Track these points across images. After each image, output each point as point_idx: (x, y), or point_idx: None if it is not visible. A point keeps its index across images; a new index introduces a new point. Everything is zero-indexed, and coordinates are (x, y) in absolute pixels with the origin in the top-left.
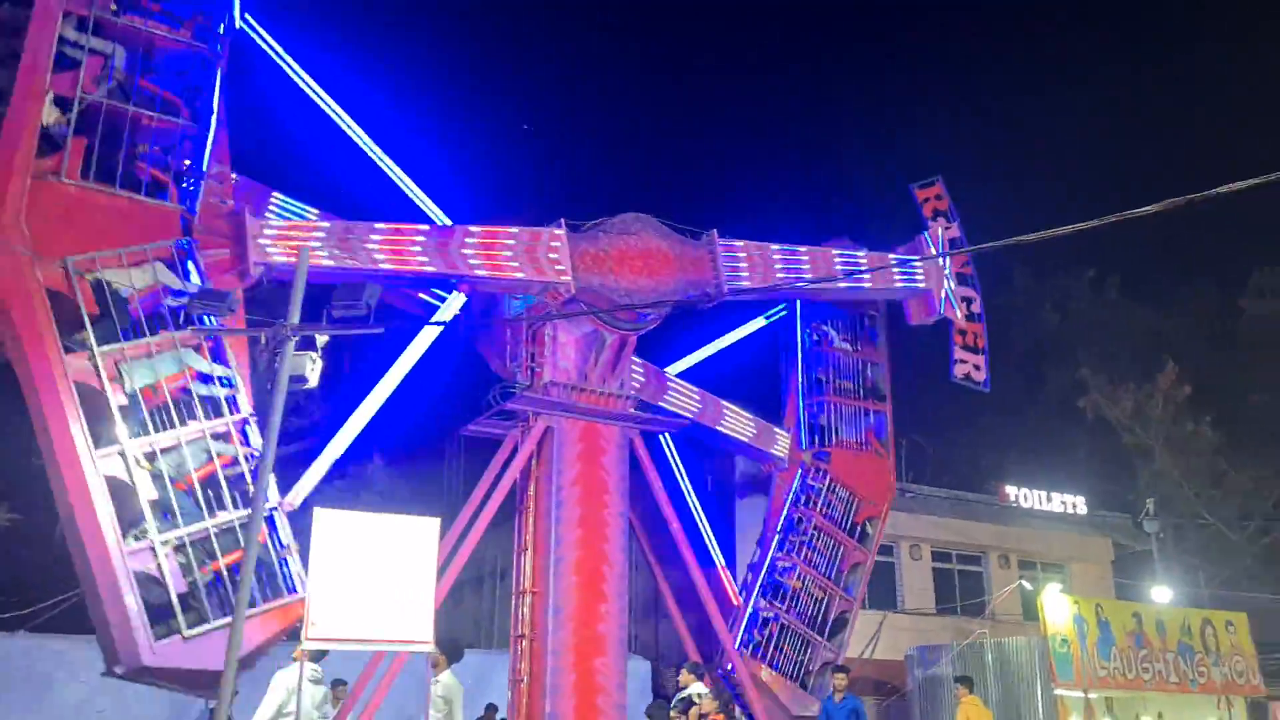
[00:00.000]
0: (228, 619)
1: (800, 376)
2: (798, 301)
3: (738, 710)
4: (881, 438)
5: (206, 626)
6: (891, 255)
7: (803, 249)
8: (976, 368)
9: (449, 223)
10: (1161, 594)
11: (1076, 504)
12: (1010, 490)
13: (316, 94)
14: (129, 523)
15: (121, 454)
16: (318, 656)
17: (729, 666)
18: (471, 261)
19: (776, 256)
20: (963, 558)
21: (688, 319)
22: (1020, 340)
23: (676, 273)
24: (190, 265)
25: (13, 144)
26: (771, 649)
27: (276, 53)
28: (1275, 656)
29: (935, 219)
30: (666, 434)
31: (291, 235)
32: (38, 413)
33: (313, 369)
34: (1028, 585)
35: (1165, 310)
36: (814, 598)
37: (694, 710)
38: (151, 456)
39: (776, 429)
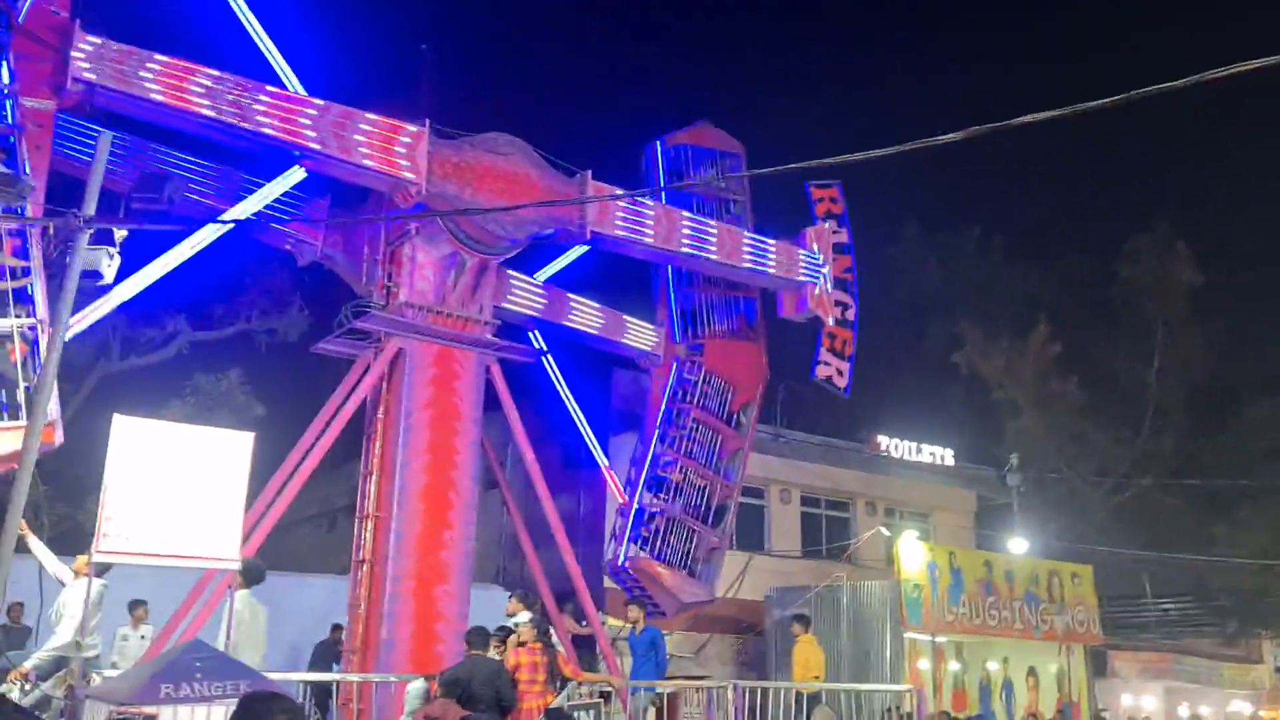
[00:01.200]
0: None
1: (669, 270)
2: (662, 195)
3: (554, 638)
4: (752, 321)
5: None
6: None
7: (655, 209)
8: (840, 373)
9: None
10: (1018, 545)
11: (945, 456)
12: (882, 440)
13: None
14: None
15: None
16: (102, 570)
17: (619, 563)
18: (320, 136)
19: (648, 213)
20: (831, 504)
21: None
22: (903, 292)
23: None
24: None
25: None
26: (659, 543)
27: None
28: (1117, 608)
29: (826, 220)
30: (545, 354)
31: (123, 63)
32: None
33: (109, 265)
34: (886, 532)
35: (1044, 273)
36: (696, 488)
37: (512, 638)
38: None
39: (630, 319)
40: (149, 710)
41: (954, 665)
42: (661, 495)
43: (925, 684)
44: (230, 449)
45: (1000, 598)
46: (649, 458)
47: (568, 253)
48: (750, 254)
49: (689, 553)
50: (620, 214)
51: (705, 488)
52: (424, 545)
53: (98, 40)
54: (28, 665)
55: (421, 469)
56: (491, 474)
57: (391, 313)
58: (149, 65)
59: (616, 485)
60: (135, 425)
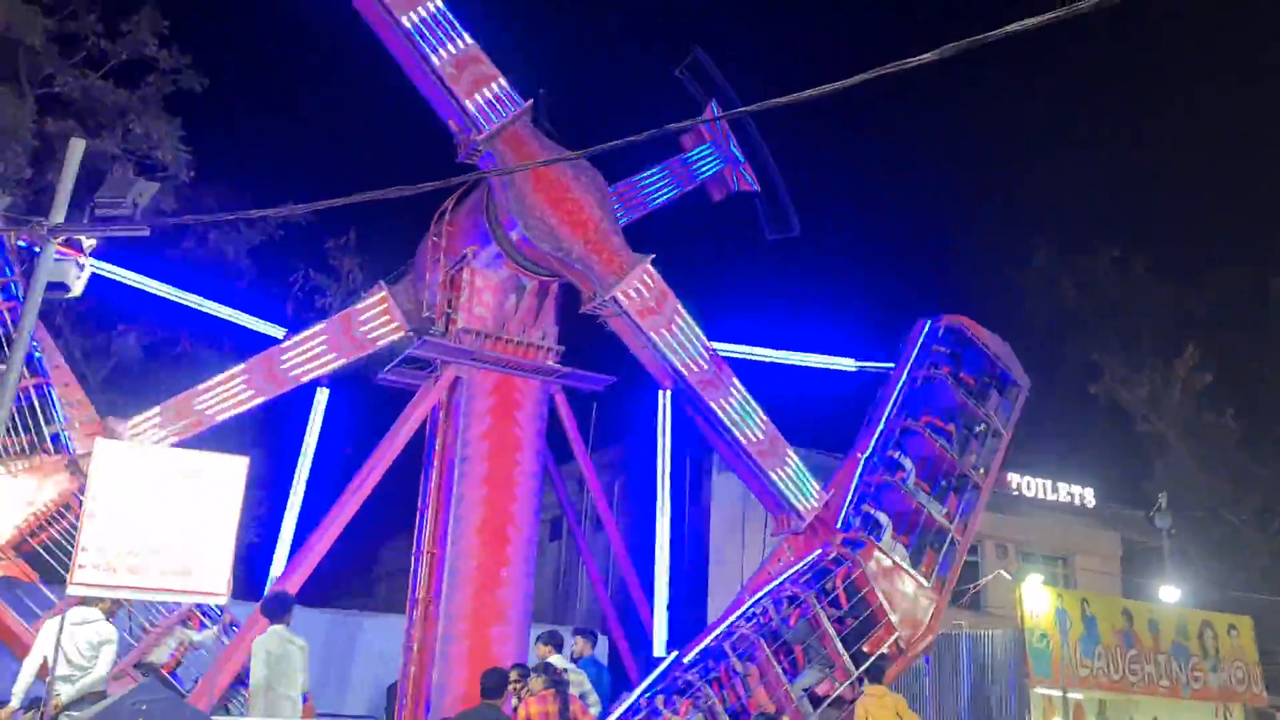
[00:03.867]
0: None
1: (873, 443)
2: (906, 365)
3: (584, 684)
4: (944, 572)
5: None
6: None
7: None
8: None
9: None
10: (1169, 593)
11: (1085, 495)
12: (1013, 478)
13: None
14: None
15: None
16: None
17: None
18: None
19: (678, 319)
20: None
21: None
22: (1037, 320)
23: (582, 240)
24: None
25: None
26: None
27: None
28: None
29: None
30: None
31: None
32: None
33: (77, 277)
34: (1007, 575)
35: (1191, 292)
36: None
37: (532, 683)
38: None
39: (793, 457)
40: None
41: None
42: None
43: None
44: (222, 474)
45: (1143, 650)
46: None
47: None
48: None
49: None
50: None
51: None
52: (480, 583)
53: None
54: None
55: (478, 502)
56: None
57: (450, 339)
58: None
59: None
60: (117, 449)
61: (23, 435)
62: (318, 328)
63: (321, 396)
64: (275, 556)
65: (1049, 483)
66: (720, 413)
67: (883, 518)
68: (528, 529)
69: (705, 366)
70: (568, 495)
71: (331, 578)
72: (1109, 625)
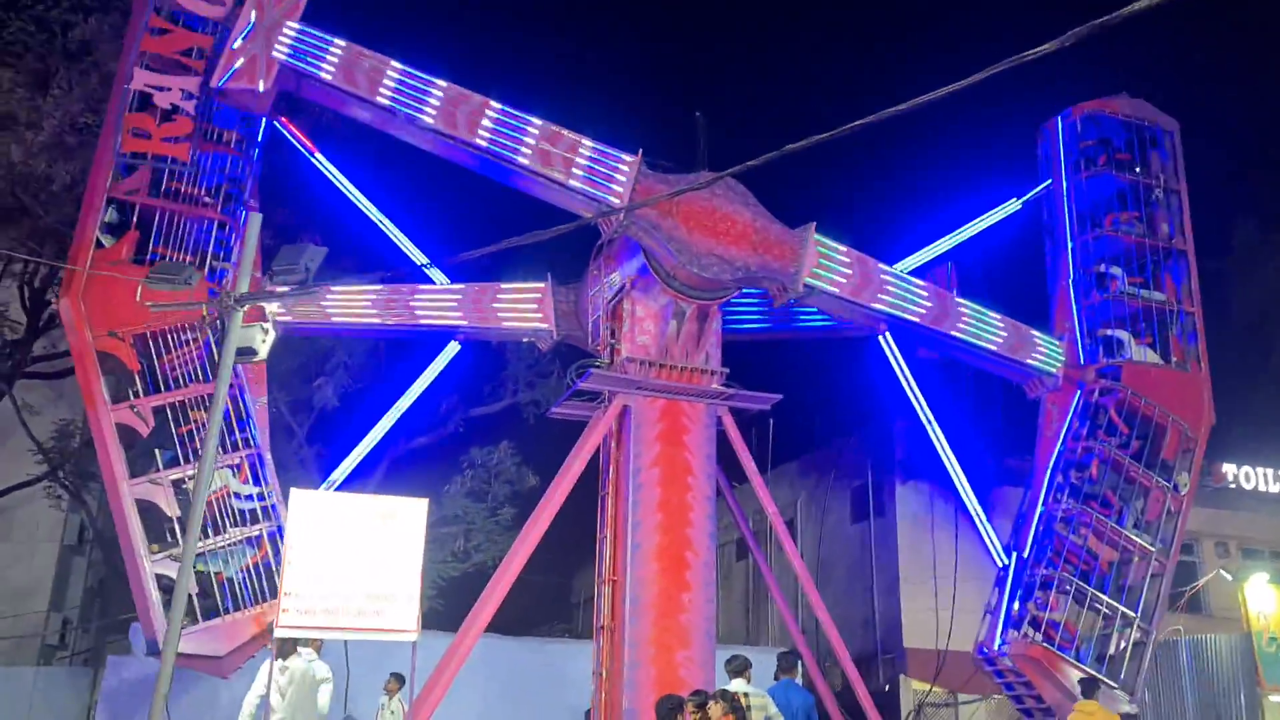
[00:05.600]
0: (235, 613)
1: (1071, 268)
2: (1063, 177)
3: (769, 709)
4: (1192, 345)
5: (216, 620)
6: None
7: (920, 283)
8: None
9: None
10: None
11: None
12: (1228, 469)
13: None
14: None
15: (151, 482)
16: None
17: (995, 646)
18: (535, 154)
19: (886, 279)
20: None
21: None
22: (1243, 303)
23: (749, 249)
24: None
25: (79, 243)
26: (1047, 626)
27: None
28: None
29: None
30: (891, 348)
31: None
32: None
33: (263, 341)
34: (1228, 575)
35: None
36: (1106, 557)
37: (707, 711)
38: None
39: (1036, 333)
40: None
41: None
42: (1060, 561)
43: None
44: (404, 516)
45: None
46: (1039, 513)
47: (926, 247)
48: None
49: (1097, 641)
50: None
51: (1122, 559)
52: (661, 608)
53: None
54: None
55: (654, 529)
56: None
57: (615, 370)
58: None
59: (995, 545)
60: (311, 498)
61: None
62: (458, 286)
63: (451, 350)
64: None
65: (1271, 471)
66: (961, 336)
67: (1121, 334)
68: (705, 552)
69: (930, 303)
70: (745, 516)
71: (533, 606)
72: None
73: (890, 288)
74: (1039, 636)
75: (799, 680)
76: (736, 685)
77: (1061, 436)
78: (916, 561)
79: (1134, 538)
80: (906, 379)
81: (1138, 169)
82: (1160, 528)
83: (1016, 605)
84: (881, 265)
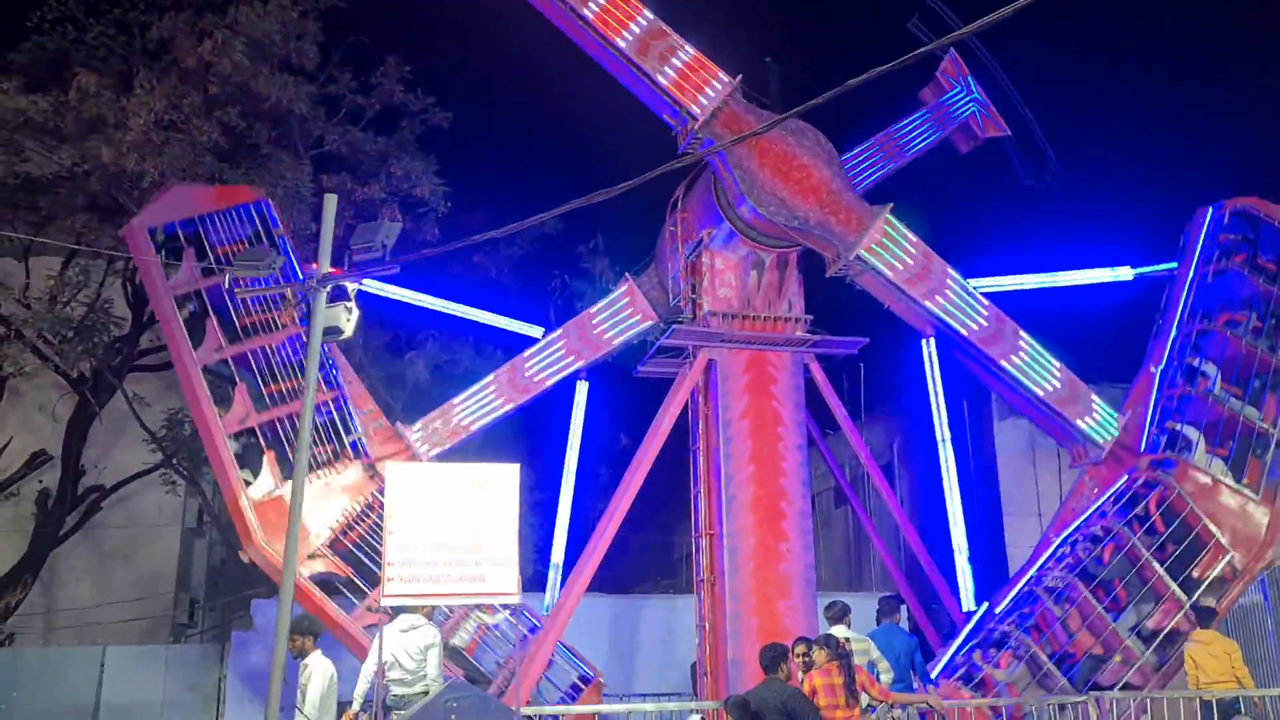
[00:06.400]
0: None
1: (1167, 355)
2: (1192, 265)
3: (873, 654)
4: (1274, 478)
5: None
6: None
7: (985, 301)
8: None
9: None
10: None
11: None
12: None
13: None
14: None
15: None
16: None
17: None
18: (635, 43)
19: (949, 282)
20: None
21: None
22: None
23: (815, 204)
24: None
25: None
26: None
27: None
28: None
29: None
30: (931, 356)
31: None
32: None
33: (348, 319)
34: None
35: None
36: (1084, 644)
37: (812, 656)
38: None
39: (1096, 399)
40: None
41: None
42: (1024, 627)
43: None
44: (498, 482)
45: None
46: (1029, 576)
47: (1019, 276)
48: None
49: None
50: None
51: (1106, 650)
52: (760, 560)
53: None
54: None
55: (747, 481)
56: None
57: (698, 324)
58: None
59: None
60: (407, 470)
61: (327, 445)
62: (556, 334)
63: (582, 390)
64: (554, 547)
65: None
66: (1010, 367)
67: (1191, 432)
68: (800, 501)
69: (985, 323)
70: (838, 463)
71: (635, 564)
72: None
73: (950, 293)
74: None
75: (902, 624)
76: (838, 631)
77: (1087, 512)
78: (1018, 497)
79: (1124, 638)
80: (936, 392)
81: (1277, 281)
82: (1159, 642)
83: (963, 654)
84: (951, 270)
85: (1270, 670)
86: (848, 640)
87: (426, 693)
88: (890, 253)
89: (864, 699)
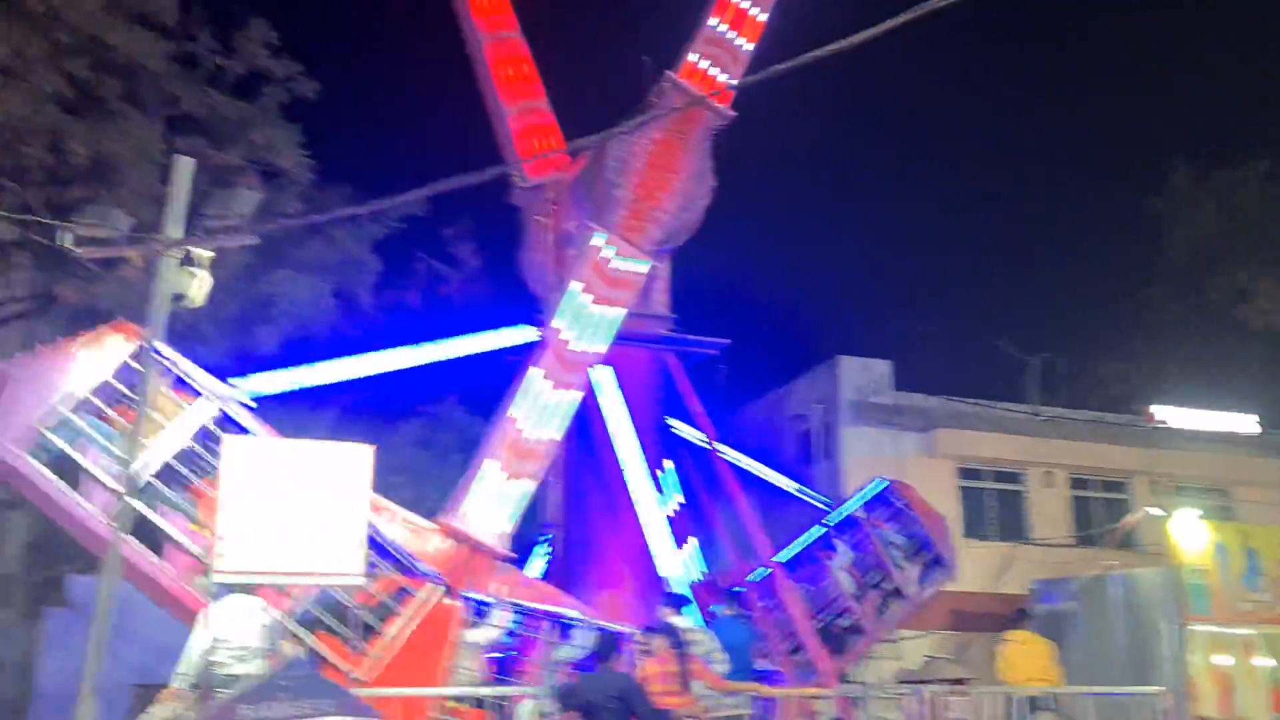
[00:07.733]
0: None
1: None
2: None
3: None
4: None
5: None
6: None
7: None
8: None
9: None
10: None
11: (1246, 424)
12: (1159, 410)
13: None
14: None
15: None
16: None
17: None
18: None
19: None
20: (1105, 484)
21: None
22: (1175, 247)
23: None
24: None
25: None
26: None
27: None
28: None
29: None
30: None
31: None
32: None
33: (198, 287)
34: (1156, 511)
35: None
36: None
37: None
38: None
39: None
40: None
41: (1268, 661)
42: None
43: (1221, 682)
44: (347, 462)
45: None
46: None
47: None
48: None
49: None
50: None
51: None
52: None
53: None
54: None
55: None
56: None
57: None
58: None
59: None
60: (244, 444)
61: None
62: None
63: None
64: None
65: (1202, 413)
66: None
67: None
68: None
69: None
70: None
71: None
72: (1271, 557)
73: None
74: None
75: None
76: (679, 621)
77: None
78: None
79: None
80: None
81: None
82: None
83: None
84: None
85: (1078, 670)
86: (688, 630)
87: (262, 672)
88: None
89: (696, 686)
